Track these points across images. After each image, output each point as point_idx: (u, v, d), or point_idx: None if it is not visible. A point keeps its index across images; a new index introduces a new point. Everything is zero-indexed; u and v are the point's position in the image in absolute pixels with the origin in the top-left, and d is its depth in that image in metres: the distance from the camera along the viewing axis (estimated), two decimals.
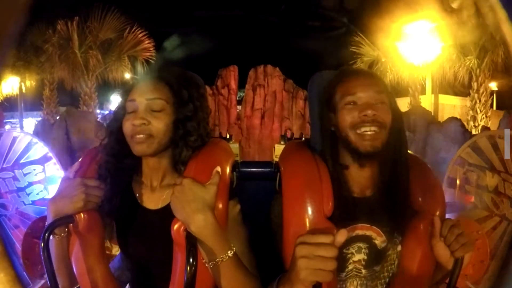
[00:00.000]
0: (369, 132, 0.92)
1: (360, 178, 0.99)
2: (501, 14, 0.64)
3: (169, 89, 1.01)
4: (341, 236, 0.74)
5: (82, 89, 8.26)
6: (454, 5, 7.32)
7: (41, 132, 6.43)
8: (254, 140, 11.24)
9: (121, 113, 1.02)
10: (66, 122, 6.63)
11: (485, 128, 6.83)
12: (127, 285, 1.16)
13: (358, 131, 0.93)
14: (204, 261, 0.87)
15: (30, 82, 8.46)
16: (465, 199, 3.09)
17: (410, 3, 7.90)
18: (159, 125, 0.97)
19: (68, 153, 6.63)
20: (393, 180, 0.97)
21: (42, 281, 2.86)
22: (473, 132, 7.08)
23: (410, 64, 8.35)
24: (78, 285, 1.01)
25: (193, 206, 0.85)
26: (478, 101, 8.10)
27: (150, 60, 9.10)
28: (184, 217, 0.85)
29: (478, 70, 7.91)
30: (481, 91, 8.06)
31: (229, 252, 0.86)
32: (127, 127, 0.97)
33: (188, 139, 0.99)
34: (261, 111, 11.35)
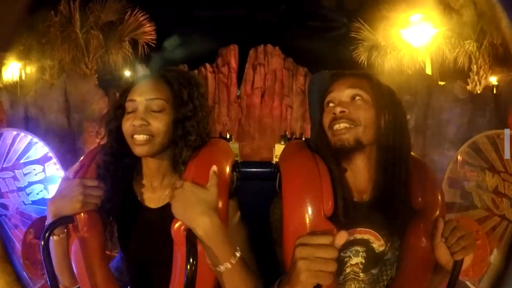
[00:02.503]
0: (338, 127, 0.95)
1: (357, 181, 0.99)
2: (500, 13, 0.64)
3: (169, 89, 1.01)
4: (341, 238, 0.74)
5: (82, 71, 8.21)
6: (454, 5, 7.34)
7: (39, 93, 6.42)
8: (254, 119, 11.19)
9: (120, 112, 1.02)
10: (66, 84, 6.61)
11: (488, 87, 6.76)
12: (128, 286, 1.15)
13: (331, 129, 0.96)
14: (210, 264, 0.86)
15: (30, 69, 8.41)
16: (468, 176, 3.08)
17: (409, 3, 7.93)
18: (159, 125, 0.97)
19: (66, 116, 6.64)
20: (392, 184, 0.96)
21: (42, 281, 2.86)
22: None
23: (409, 46, 8.34)
24: (79, 285, 1.01)
25: (198, 209, 0.83)
26: (478, 83, 8.02)
27: (150, 44, 9.08)
28: (190, 221, 0.83)
29: (477, 53, 7.86)
30: (481, 73, 7.99)
31: (236, 253, 0.86)
32: (127, 127, 0.97)
33: (188, 139, 0.99)
34: (261, 90, 11.31)
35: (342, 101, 0.97)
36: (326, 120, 0.98)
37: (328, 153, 0.97)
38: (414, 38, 8.28)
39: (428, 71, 8.46)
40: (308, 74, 11.27)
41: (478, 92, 7.43)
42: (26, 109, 6.41)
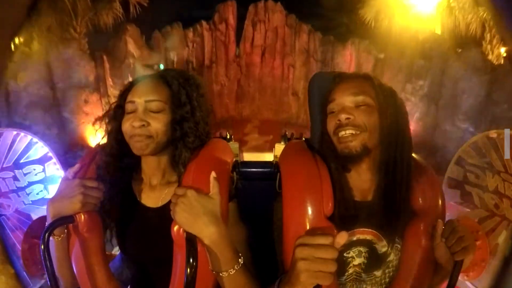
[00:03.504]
0: (344, 135, 0.94)
1: (360, 181, 0.99)
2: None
3: (169, 89, 1.01)
4: (342, 238, 0.74)
5: (70, 35, 7.77)
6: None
7: (19, 64, 6.00)
8: (254, 79, 10.48)
9: (119, 112, 1.02)
10: (46, 51, 6.18)
11: (501, 56, 6.43)
12: (128, 286, 1.15)
13: (337, 136, 0.96)
14: (212, 270, 0.87)
15: (18, 39, 8.11)
16: (468, 176, 3.03)
17: None
18: (158, 125, 0.97)
19: (49, 86, 6.19)
20: (393, 185, 0.96)
21: (42, 281, 2.86)
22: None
23: (419, 8, 7.90)
24: (79, 286, 1.01)
25: (205, 219, 0.83)
26: (491, 53, 7.58)
27: (142, 4, 8.71)
28: (197, 231, 0.83)
29: (491, 22, 7.45)
30: (494, 42, 7.58)
31: (239, 259, 0.87)
32: (127, 128, 0.98)
33: (186, 140, 0.99)
34: (261, 48, 10.54)
35: (346, 107, 0.96)
36: (331, 126, 0.98)
37: (333, 157, 0.97)
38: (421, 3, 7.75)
39: None
40: (312, 31, 10.35)
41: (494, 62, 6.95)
42: (7, 83, 5.91)
